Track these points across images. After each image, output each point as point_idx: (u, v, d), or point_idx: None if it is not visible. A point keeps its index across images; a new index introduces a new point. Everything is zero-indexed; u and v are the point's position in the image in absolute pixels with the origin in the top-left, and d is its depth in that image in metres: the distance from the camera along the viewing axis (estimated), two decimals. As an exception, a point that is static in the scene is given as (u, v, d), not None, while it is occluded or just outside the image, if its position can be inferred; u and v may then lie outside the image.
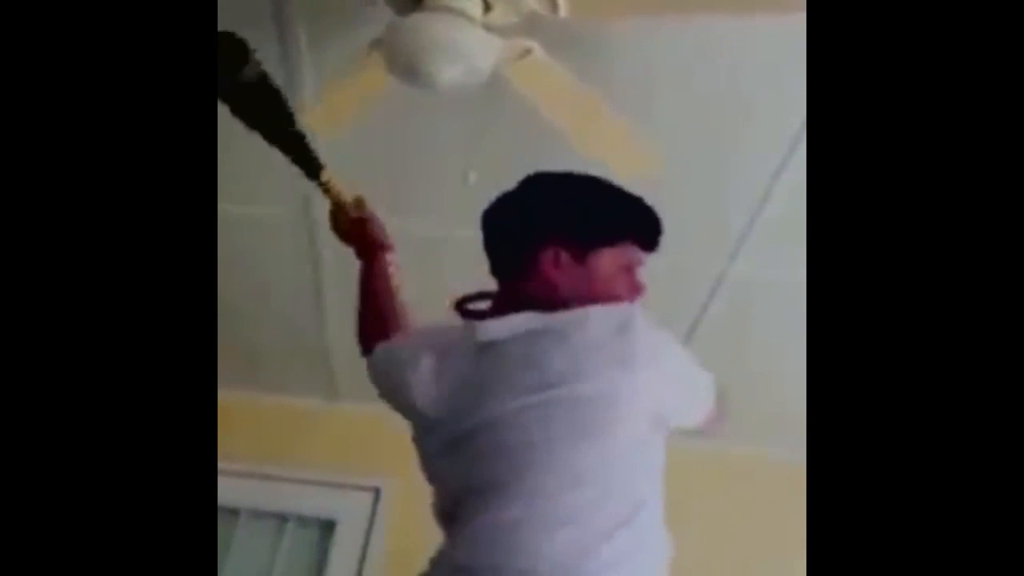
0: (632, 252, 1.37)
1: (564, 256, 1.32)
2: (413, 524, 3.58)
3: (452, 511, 1.25)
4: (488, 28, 2.01)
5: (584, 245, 1.33)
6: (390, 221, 1.77)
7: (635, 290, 1.36)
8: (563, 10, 1.97)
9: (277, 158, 2.76)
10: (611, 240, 1.35)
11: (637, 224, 1.38)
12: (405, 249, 1.77)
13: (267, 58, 2.38)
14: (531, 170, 1.44)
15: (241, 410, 3.70)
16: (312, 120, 2.15)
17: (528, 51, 2.04)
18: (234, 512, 3.66)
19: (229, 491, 2.58)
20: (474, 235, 1.45)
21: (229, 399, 3.14)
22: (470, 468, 1.23)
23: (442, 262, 3.06)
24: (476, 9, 1.98)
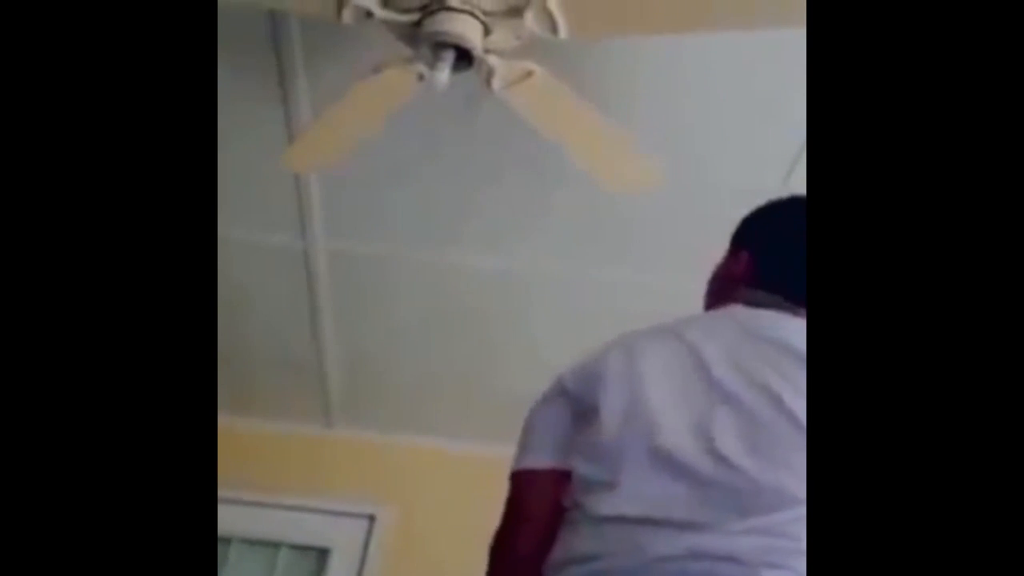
0: None
1: None
2: (407, 551, 3.62)
3: None
4: (488, 51, 2.00)
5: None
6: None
7: None
8: (563, 31, 1.97)
9: (275, 185, 2.76)
10: None
11: None
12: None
13: (263, 79, 2.40)
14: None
15: (235, 436, 3.67)
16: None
17: (529, 73, 2.04)
18: (226, 540, 3.63)
19: (222, 518, 2.53)
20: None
21: (223, 425, 3.11)
22: None
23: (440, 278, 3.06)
24: (476, 32, 1.97)
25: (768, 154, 2.47)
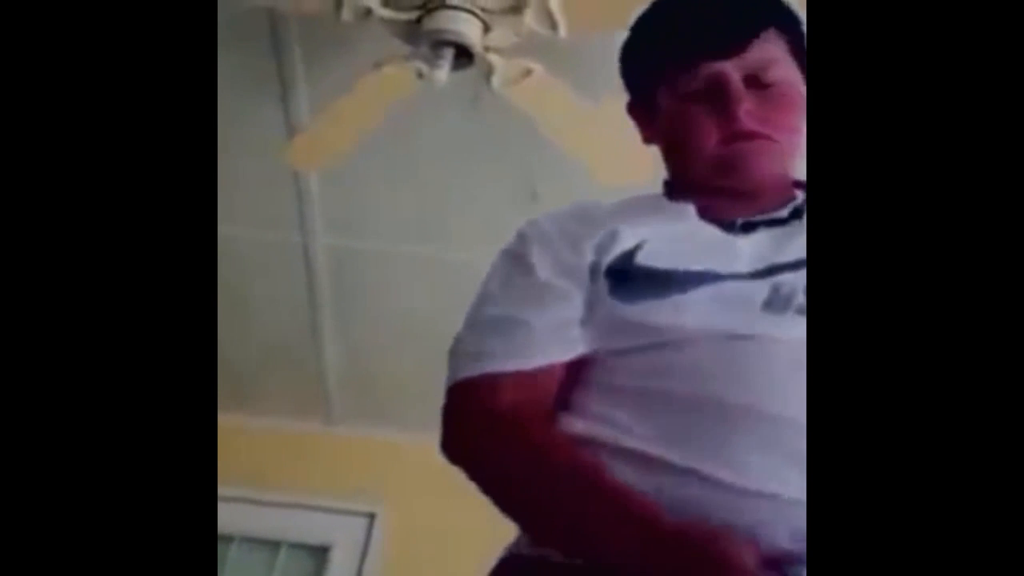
0: (710, 65, 1.00)
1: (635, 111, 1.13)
2: (408, 549, 3.61)
3: None
4: (488, 49, 2.00)
5: (640, 92, 1.09)
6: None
7: (722, 123, 0.99)
8: (562, 29, 1.97)
9: (273, 181, 2.76)
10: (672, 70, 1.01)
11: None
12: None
13: (263, 77, 2.40)
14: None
15: (235, 434, 3.67)
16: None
17: (529, 72, 2.04)
18: (227, 538, 3.63)
19: (222, 516, 2.53)
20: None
21: (223, 423, 3.11)
22: None
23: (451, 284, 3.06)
24: (476, 30, 1.97)
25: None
